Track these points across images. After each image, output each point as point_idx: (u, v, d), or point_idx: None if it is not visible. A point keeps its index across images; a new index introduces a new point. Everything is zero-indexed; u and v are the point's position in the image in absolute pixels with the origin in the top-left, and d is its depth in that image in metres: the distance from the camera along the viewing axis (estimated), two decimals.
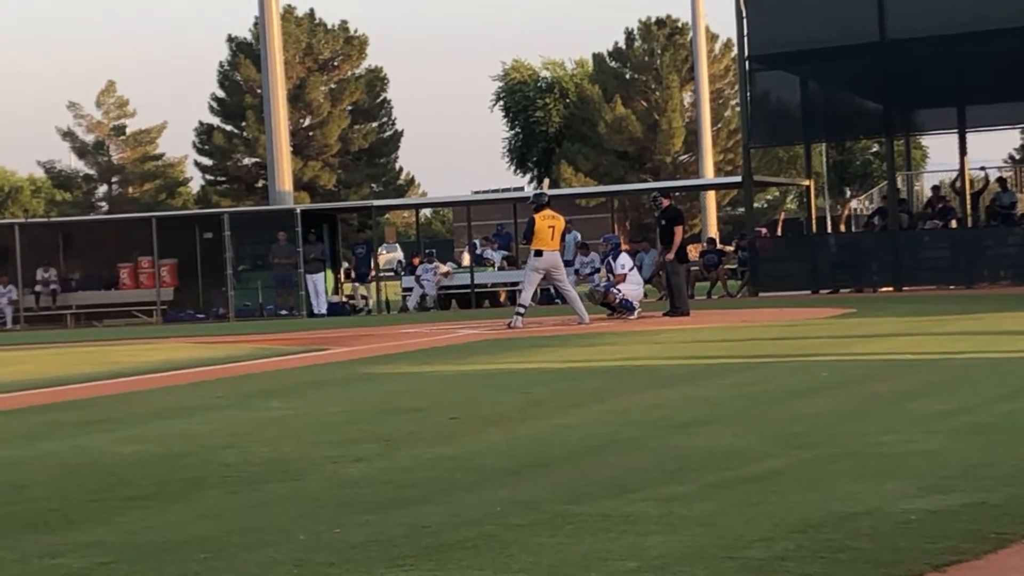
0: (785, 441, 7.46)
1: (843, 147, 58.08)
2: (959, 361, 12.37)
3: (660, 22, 66.48)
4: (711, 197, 55.37)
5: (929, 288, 29.89)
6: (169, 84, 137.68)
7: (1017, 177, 40.26)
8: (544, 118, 69.86)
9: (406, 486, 6.56)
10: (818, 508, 5.52)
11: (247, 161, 64.36)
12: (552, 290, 28.29)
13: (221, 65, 64.88)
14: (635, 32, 67.14)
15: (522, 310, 21.36)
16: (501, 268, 34.85)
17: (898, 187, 34.26)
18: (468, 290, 33.65)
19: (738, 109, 47.03)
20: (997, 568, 4.63)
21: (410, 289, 34.37)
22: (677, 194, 38.04)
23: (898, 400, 9.30)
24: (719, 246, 36.29)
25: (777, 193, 65.55)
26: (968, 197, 33.20)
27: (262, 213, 39.10)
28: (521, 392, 11.02)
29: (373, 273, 36.41)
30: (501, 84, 72.50)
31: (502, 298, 33.56)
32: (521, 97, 71.15)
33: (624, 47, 67.21)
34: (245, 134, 63.46)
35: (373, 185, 64.36)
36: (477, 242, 36.19)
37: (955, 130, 33.48)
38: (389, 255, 54.73)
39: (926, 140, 54.24)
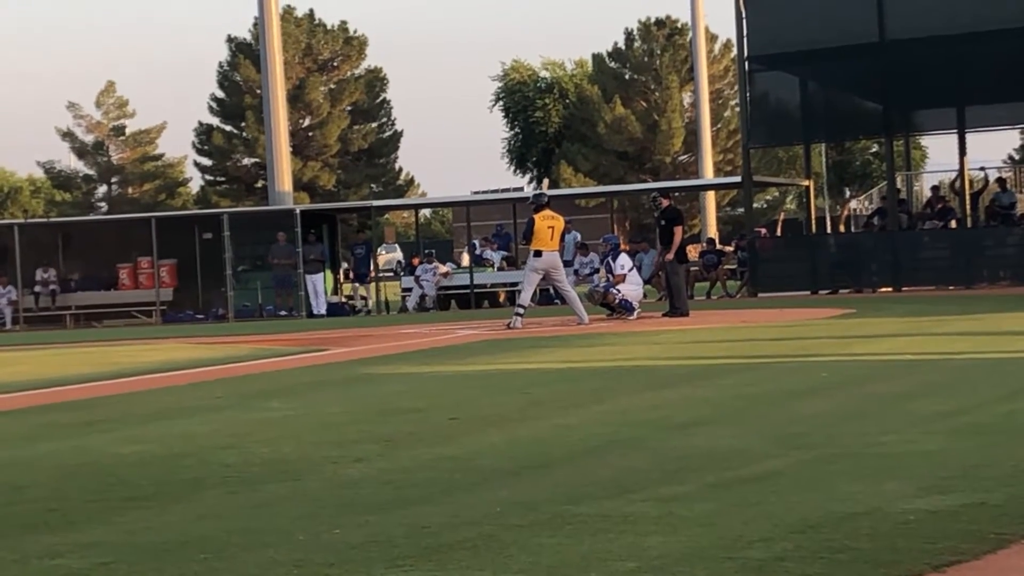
0: (784, 441, 7.46)
1: (842, 147, 58.01)
2: (958, 361, 12.36)
3: (660, 22, 66.45)
4: (711, 197, 55.34)
5: (928, 288, 29.88)
6: (169, 84, 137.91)
7: (1016, 177, 40.24)
8: (544, 118, 69.84)
9: (406, 486, 6.56)
10: (817, 508, 5.52)
11: (247, 161, 64.35)
12: (551, 290, 28.26)
13: (221, 65, 64.93)
14: (635, 32, 67.12)
15: (521, 310, 21.35)
16: (500, 268, 34.81)
17: (897, 187, 34.22)
18: (467, 290, 33.64)
19: (738, 109, 47.03)
20: (996, 568, 4.63)
21: (409, 289, 34.36)
22: (677, 194, 38.00)
23: (897, 400, 9.29)
24: (719, 246, 36.30)
25: (777, 193, 65.56)
26: (967, 197, 33.17)
27: (262, 213, 39.09)
28: (521, 392, 11.01)
29: (372, 273, 36.41)
30: (501, 84, 72.52)
31: (501, 298, 33.54)
32: (521, 97, 71.13)
33: (624, 47, 67.18)
34: (245, 134, 63.45)
35: (373, 185, 64.35)
36: (476, 242, 36.18)
37: (955, 130, 33.43)
38: (388, 255, 54.80)
39: (926, 140, 54.24)
